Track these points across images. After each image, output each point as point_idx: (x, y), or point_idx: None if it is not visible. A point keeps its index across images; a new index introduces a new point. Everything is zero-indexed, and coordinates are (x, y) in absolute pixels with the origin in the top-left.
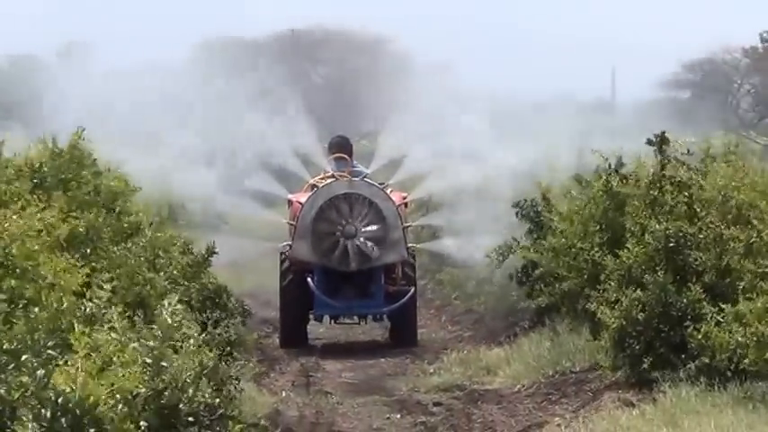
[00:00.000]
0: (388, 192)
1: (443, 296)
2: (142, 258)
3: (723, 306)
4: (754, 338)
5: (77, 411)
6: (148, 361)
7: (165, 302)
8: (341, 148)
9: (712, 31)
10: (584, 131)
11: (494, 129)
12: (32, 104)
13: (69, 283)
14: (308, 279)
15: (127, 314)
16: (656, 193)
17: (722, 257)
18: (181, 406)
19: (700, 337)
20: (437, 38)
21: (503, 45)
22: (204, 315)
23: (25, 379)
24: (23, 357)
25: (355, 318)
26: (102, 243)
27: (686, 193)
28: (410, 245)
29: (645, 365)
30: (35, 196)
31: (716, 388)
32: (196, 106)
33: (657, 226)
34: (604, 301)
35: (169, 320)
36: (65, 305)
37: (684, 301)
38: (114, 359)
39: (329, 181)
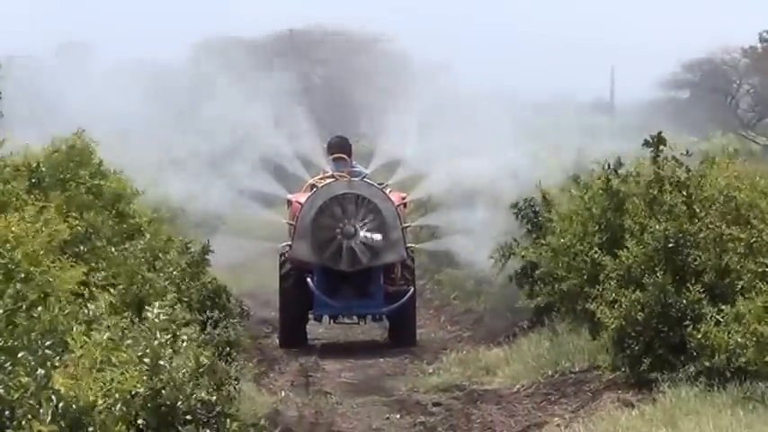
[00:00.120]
0: (387, 192)
1: (443, 296)
2: (142, 259)
3: (722, 306)
4: (754, 339)
5: (76, 411)
6: (146, 361)
7: (156, 303)
8: (340, 148)
9: (711, 32)
10: (583, 131)
11: (493, 129)
12: (32, 104)
13: (68, 284)
14: (308, 279)
15: (126, 314)
16: (655, 192)
17: (722, 257)
18: (179, 404)
19: (699, 337)
20: (436, 38)
21: (502, 45)
22: (203, 315)
23: (24, 379)
24: (20, 354)
25: (354, 318)
26: (101, 243)
27: (685, 193)
28: (409, 245)
29: (644, 366)
30: (32, 196)
31: (715, 388)
32: (195, 106)
33: (657, 226)
34: (604, 302)
35: (157, 321)
36: (64, 305)
37: (684, 301)
38: (113, 359)
39: (328, 181)
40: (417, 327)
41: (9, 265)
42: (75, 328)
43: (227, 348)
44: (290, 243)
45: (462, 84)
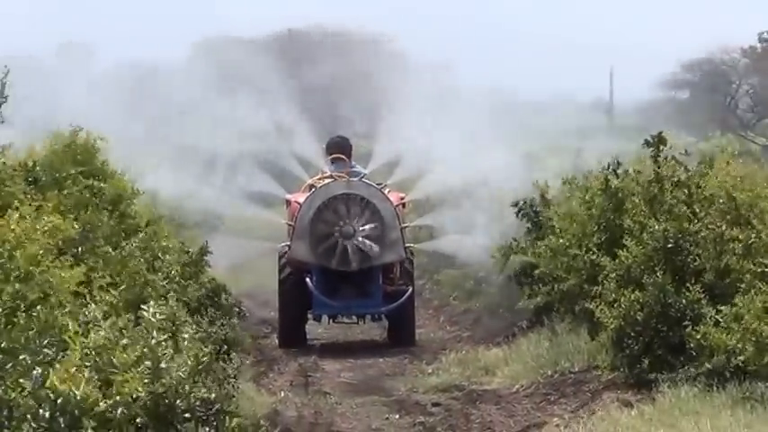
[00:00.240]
0: (385, 192)
1: (442, 296)
2: (141, 259)
3: (722, 307)
4: (753, 339)
5: (75, 411)
6: (148, 364)
7: (152, 302)
8: (340, 148)
9: (711, 32)
10: (582, 131)
11: (493, 129)
12: (31, 104)
13: (68, 284)
14: (307, 279)
15: (126, 315)
16: (655, 191)
17: (721, 257)
18: (177, 402)
19: (698, 337)
20: (436, 38)
21: (502, 45)
22: (200, 314)
23: (23, 379)
24: (21, 357)
25: (354, 317)
26: (98, 243)
27: (686, 191)
28: (408, 244)
29: (643, 366)
30: (29, 196)
31: (714, 388)
32: (194, 106)
33: (657, 226)
34: (603, 301)
35: (153, 320)
36: (63, 305)
37: (683, 301)
38: (114, 361)
39: (327, 181)
40: (417, 327)
41: (7, 265)
42: (72, 328)
43: (225, 347)
44: (288, 243)
45: (462, 84)
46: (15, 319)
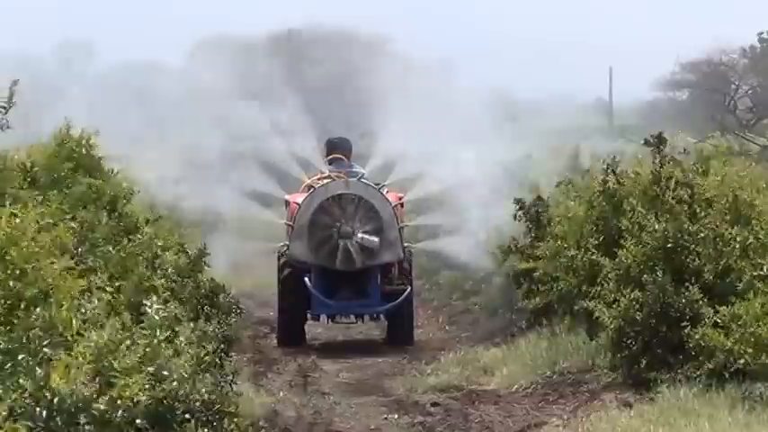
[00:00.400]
0: (384, 192)
1: (441, 296)
2: (141, 259)
3: (721, 308)
4: (752, 339)
5: (73, 411)
6: (150, 370)
7: (152, 299)
8: (339, 148)
9: (710, 32)
10: (582, 132)
11: (492, 129)
12: (31, 104)
13: (68, 284)
14: (306, 279)
15: (126, 315)
16: (657, 190)
17: (721, 257)
18: (176, 404)
19: (697, 337)
20: (436, 37)
21: (501, 45)
22: (196, 313)
23: (22, 379)
24: (20, 357)
25: (352, 317)
26: (97, 242)
27: (688, 190)
28: (406, 244)
29: (642, 366)
30: (28, 195)
31: (713, 388)
32: (193, 105)
33: (656, 226)
34: (602, 301)
35: (156, 318)
36: (63, 306)
37: (683, 301)
38: (115, 364)
39: (326, 181)
40: (416, 327)
41: (6, 265)
42: (73, 327)
43: (222, 345)
44: (287, 243)
45: (461, 83)
46: (13, 319)
